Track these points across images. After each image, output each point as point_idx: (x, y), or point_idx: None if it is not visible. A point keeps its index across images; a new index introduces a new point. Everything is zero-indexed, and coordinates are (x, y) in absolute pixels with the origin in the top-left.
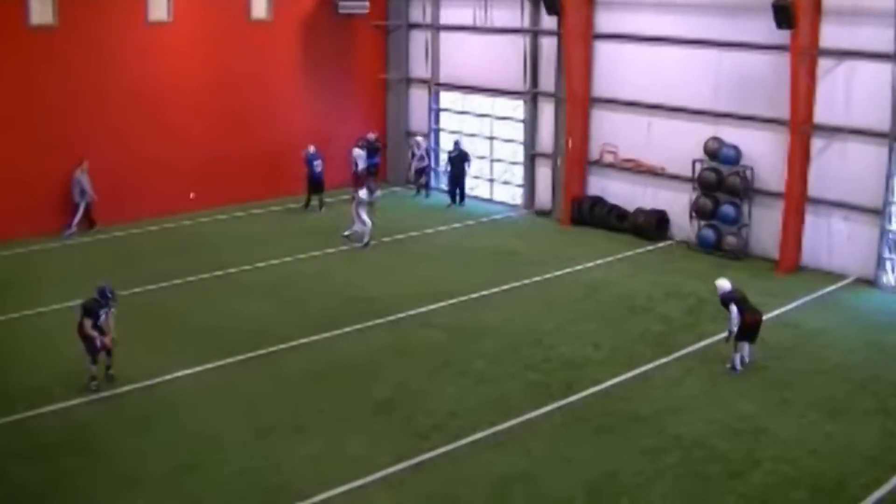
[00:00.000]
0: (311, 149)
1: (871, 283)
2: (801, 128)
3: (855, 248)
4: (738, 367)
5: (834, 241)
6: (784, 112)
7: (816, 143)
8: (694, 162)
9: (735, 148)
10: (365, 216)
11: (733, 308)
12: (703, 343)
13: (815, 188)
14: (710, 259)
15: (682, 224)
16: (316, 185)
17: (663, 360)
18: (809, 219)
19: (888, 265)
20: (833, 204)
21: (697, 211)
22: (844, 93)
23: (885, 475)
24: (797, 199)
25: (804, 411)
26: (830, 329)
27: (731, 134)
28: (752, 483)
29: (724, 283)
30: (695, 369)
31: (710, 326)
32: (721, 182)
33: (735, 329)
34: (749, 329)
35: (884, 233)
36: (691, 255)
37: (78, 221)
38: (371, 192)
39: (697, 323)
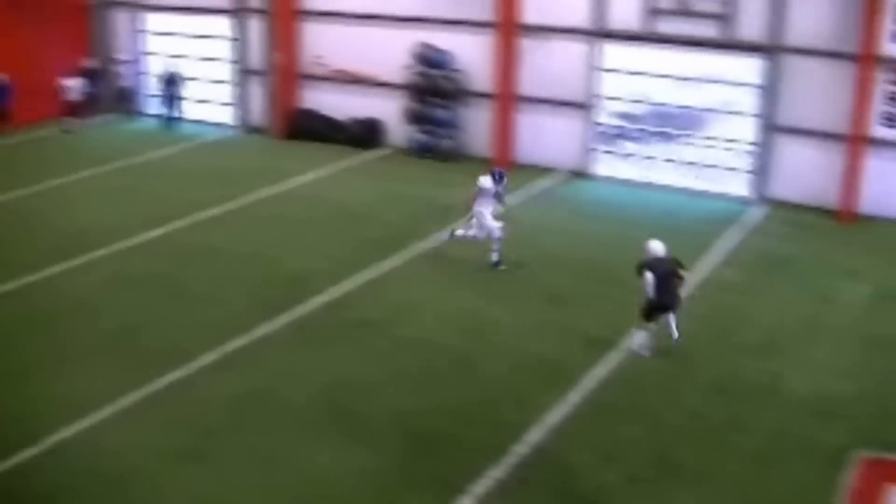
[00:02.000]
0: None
1: (583, 175)
2: (509, 28)
3: (566, 142)
4: (644, 350)
5: (546, 138)
6: (493, 14)
7: (525, 44)
8: (405, 68)
9: (445, 52)
10: (490, 219)
11: (648, 276)
12: (426, 244)
13: (525, 87)
14: (426, 163)
15: (397, 130)
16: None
17: (389, 266)
18: (521, 117)
19: (597, 157)
20: (543, 101)
21: (411, 116)
22: None
23: (601, 354)
24: (508, 99)
25: (528, 301)
26: (548, 222)
27: (441, 38)
28: (481, 373)
29: (654, 246)
30: (420, 271)
31: (433, 226)
32: (432, 87)
33: (649, 297)
34: (656, 309)
35: (591, 126)
36: (408, 160)
37: None
38: (499, 178)
39: (418, 226)
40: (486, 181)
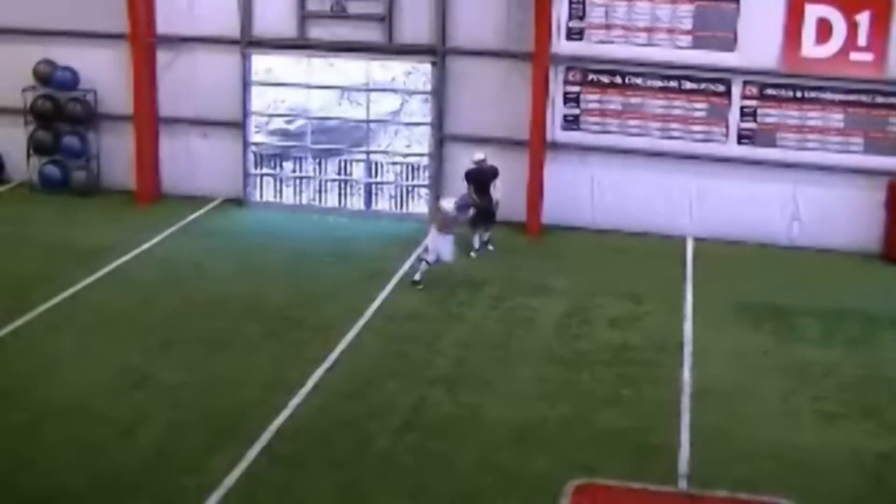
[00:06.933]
0: None
1: (240, 202)
2: (143, 41)
3: (220, 166)
4: (476, 248)
5: (195, 163)
6: (123, 25)
7: (162, 57)
8: (24, 90)
9: (71, 70)
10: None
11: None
12: (66, 294)
13: (166, 107)
14: (58, 200)
15: (21, 163)
16: None
17: (22, 320)
18: (165, 141)
19: (255, 181)
20: (189, 122)
21: (36, 146)
22: None
23: (283, 399)
24: (148, 121)
25: (188, 350)
26: (204, 258)
27: (66, 54)
28: (143, 440)
29: (476, 155)
30: (60, 325)
31: (75, 273)
32: (59, 110)
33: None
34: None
35: (246, 146)
36: (36, 197)
37: None
38: (462, 208)
39: (56, 275)
40: (447, 204)
